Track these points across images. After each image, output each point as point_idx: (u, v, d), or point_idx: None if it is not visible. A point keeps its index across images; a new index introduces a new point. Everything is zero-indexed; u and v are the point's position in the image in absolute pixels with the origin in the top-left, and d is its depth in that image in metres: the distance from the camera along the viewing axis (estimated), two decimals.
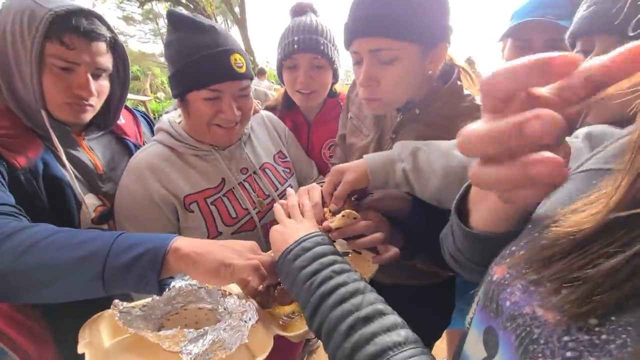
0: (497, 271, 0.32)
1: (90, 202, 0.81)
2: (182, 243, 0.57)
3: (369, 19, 0.67)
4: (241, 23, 8.48)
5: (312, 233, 0.57)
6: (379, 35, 0.67)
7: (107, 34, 0.77)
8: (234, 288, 0.67)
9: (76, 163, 0.81)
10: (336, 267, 0.50)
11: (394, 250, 0.69)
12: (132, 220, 0.82)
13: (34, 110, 0.73)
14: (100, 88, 0.79)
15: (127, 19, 17.94)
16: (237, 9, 8.44)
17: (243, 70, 0.81)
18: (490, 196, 0.37)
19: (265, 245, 0.86)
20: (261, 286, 0.65)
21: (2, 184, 0.66)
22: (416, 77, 0.74)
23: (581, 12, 0.59)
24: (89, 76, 0.75)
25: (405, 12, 0.65)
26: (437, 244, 0.60)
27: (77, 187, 0.77)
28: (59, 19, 0.69)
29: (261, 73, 6.74)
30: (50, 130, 0.74)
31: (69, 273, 0.53)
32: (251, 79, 0.86)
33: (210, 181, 0.89)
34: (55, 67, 0.72)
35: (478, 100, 0.77)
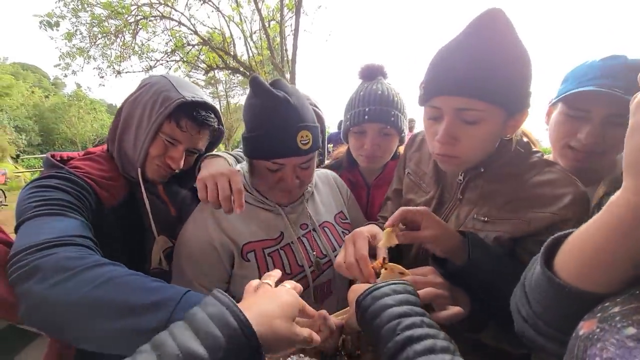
0: (585, 326, 0.30)
1: (161, 244, 0.90)
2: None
3: (461, 77, 0.66)
4: None
5: (401, 281, 0.57)
6: (469, 96, 0.66)
7: (215, 124, 0.95)
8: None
9: (155, 207, 0.91)
10: (426, 319, 0.49)
11: (455, 309, 0.62)
12: (190, 261, 0.84)
13: (132, 164, 0.87)
14: (187, 161, 0.95)
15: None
16: (287, 75, 9.31)
17: (308, 146, 0.83)
18: (608, 250, 0.34)
19: (316, 308, 0.82)
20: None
21: (87, 218, 0.73)
22: (495, 139, 0.74)
23: None
24: (184, 154, 0.91)
25: (498, 76, 0.65)
26: (508, 312, 0.54)
27: (154, 230, 0.85)
28: (184, 105, 0.86)
29: None
30: (141, 182, 0.84)
31: (136, 315, 0.54)
32: (317, 150, 0.89)
33: (270, 233, 0.90)
34: (164, 140, 0.88)
35: (546, 156, 0.76)
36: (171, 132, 0.87)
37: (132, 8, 8.59)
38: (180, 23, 9.16)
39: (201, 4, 8.99)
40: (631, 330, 0.25)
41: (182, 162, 0.91)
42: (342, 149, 1.40)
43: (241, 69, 10.11)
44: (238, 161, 1.05)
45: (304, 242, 0.94)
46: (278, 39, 9.48)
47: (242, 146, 0.93)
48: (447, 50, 0.70)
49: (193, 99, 0.87)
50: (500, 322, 0.64)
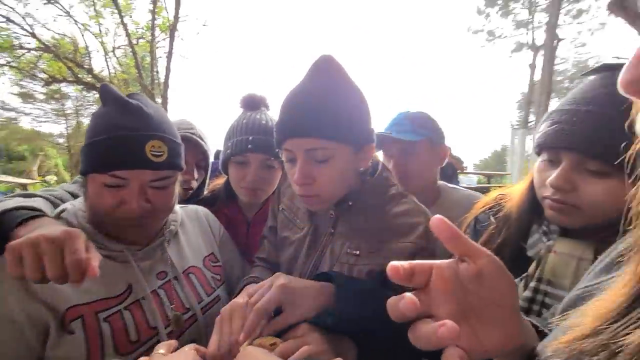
0: None
1: None
2: None
3: (306, 119, 0.70)
4: None
5: None
6: (317, 136, 0.70)
7: None
8: None
9: None
10: None
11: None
12: None
13: None
14: None
15: (25, 96, 16.27)
16: (159, 100, 8.48)
17: (161, 159, 0.70)
18: None
19: None
20: None
21: None
22: (350, 174, 0.77)
23: (545, 127, 0.63)
24: None
25: (340, 116, 0.70)
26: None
27: None
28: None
29: None
30: None
31: None
32: (175, 169, 0.75)
33: (111, 288, 0.69)
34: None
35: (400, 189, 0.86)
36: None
37: None
38: (8, 20, 7.28)
39: (44, 4, 7.44)
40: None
41: None
42: (219, 181, 1.28)
43: (98, 86, 8.65)
44: (55, 204, 0.79)
45: (161, 295, 0.76)
46: (148, 59, 8.62)
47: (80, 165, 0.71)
48: (293, 94, 0.74)
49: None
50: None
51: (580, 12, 14.75)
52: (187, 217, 0.94)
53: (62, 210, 0.74)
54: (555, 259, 0.63)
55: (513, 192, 0.79)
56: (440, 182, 1.31)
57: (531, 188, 0.71)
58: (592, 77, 0.62)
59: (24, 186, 6.70)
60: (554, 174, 0.60)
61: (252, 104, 1.12)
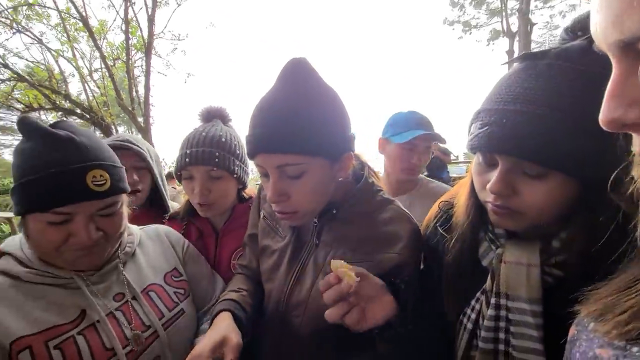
0: (569, 331, 0.40)
1: None
2: None
3: (273, 134, 0.64)
4: (144, 131, 8.38)
5: None
6: (285, 152, 0.65)
7: None
8: None
9: None
10: None
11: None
12: None
13: None
14: None
15: (3, 129, 16.00)
16: (140, 119, 8.41)
17: (104, 188, 0.69)
18: None
19: None
20: None
21: None
22: (327, 186, 0.73)
23: (475, 129, 0.59)
24: None
25: (309, 128, 0.64)
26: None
27: None
28: None
29: (170, 177, 6.41)
30: None
31: None
32: (121, 192, 0.75)
33: (64, 315, 0.69)
34: None
35: (386, 194, 0.83)
36: None
37: None
38: None
39: (13, 33, 7.35)
40: (592, 326, 0.35)
41: None
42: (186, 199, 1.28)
43: (78, 111, 8.52)
44: None
45: (117, 316, 0.75)
46: (126, 80, 8.56)
47: (12, 205, 0.70)
48: (260, 106, 0.68)
49: None
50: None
51: None
52: (147, 236, 0.94)
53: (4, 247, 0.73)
54: (506, 270, 0.60)
55: (458, 198, 0.74)
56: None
57: (473, 192, 0.67)
58: (516, 68, 0.57)
59: (8, 219, 6.55)
60: (492, 180, 0.57)
61: (207, 116, 1.12)
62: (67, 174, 0.65)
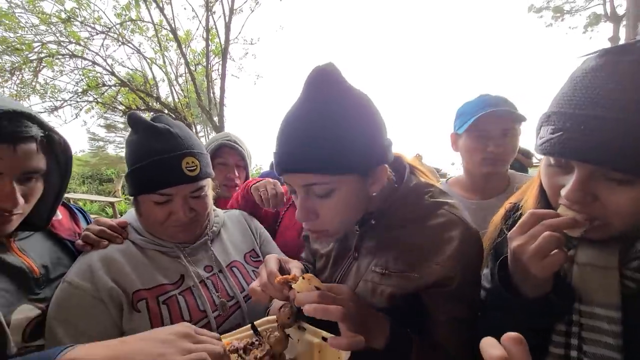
0: None
1: (24, 315, 0.69)
2: (80, 352, 0.48)
3: (297, 153, 0.62)
4: (219, 129, 9.16)
5: None
6: (310, 171, 0.62)
7: (38, 133, 0.67)
8: None
9: (7, 269, 0.70)
10: None
11: (355, 337, 0.57)
12: (64, 320, 0.70)
13: None
14: (31, 191, 0.71)
15: (109, 127, 18.96)
16: (216, 118, 9.21)
17: (195, 173, 0.81)
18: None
19: None
20: None
21: None
22: (359, 202, 0.69)
23: (547, 134, 0.54)
24: (14, 185, 0.66)
25: (336, 145, 0.60)
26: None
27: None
28: None
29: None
30: None
31: None
32: (208, 178, 0.88)
33: (169, 277, 0.83)
34: None
35: (438, 195, 0.74)
36: None
37: (35, 45, 7.82)
38: (94, 63, 8.57)
39: (119, 45, 8.62)
40: None
41: (17, 197, 0.66)
42: None
43: (165, 111, 9.70)
44: None
45: (208, 284, 0.87)
46: (205, 83, 9.45)
47: (126, 187, 0.86)
48: (285, 121, 0.66)
49: None
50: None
51: None
52: (229, 219, 1.07)
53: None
54: (579, 272, 0.56)
55: (525, 200, 0.70)
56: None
57: (543, 194, 0.62)
58: (593, 66, 0.50)
59: (111, 204, 7.73)
60: (568, 187, 0.52)
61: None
62: (166, 162, 0.79)
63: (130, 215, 0.92)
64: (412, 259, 0.68)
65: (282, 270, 0.72)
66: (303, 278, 0.63)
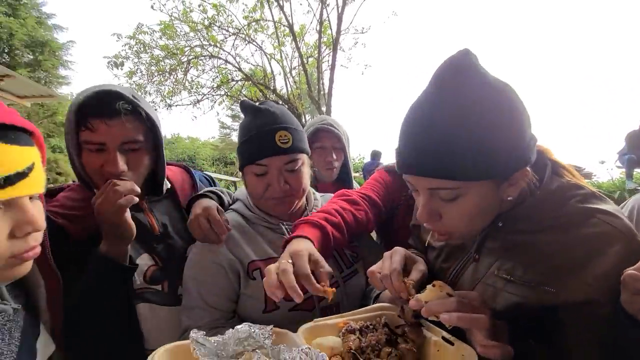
0: None
1: (144, 262, 0.89)
2: None
3: (422, 156, 0.57)
4: None
5: None
6: (437, 176, 0.56)
7: (127, 107, 0.80)
8: (326, 342, 0.63)
9: (137, 224, 0.83)
10: None
11: (504, 347, 0.52)
12: (198, 282, 0.86)
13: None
14: (135, 161, 0.84)
15: (234, 117, 22.02)
16: (324, 108, 9.60)
17: (287, 145, 0.86)
18: None
19: None
20: None
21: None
22: (490, 206, 0.62)
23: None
24: (118, 153, 0.80)
25: (466, 150, 0.53)
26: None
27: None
28: (84, 107, 0.79)
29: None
30: None
31: None
32: (301, 152, 0.90)
33: (276, 250, 0.89)
34: (89, 151, 0.81)
35: (590, 200, 0.61)
36: (86, 138, 0.80)
37: (186, 49, 9.56)
38: (226, 61, 9.98)
39: (246, 44, 9.78)
40: None
41: (121, 164, 0.80)
42: None
43: (280, 102, 10.63)
44: (221, 198, 1.02)
45: None
46: (315, 74, 9.93)
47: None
48: (409, 118, 0.61)
49: (85, 95, 0.80)
50: None
51: None
52: (326, 202, 1.07)
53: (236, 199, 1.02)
54: None
55: None
56: None
57: None
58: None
59: (234, 183, 8.99)
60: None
61: None
62: (262, 135, 0.86)
63: (241, 192, 1.03)
64: (548, 270, 0.59)
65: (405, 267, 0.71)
66: (433, 285, 0.61)
